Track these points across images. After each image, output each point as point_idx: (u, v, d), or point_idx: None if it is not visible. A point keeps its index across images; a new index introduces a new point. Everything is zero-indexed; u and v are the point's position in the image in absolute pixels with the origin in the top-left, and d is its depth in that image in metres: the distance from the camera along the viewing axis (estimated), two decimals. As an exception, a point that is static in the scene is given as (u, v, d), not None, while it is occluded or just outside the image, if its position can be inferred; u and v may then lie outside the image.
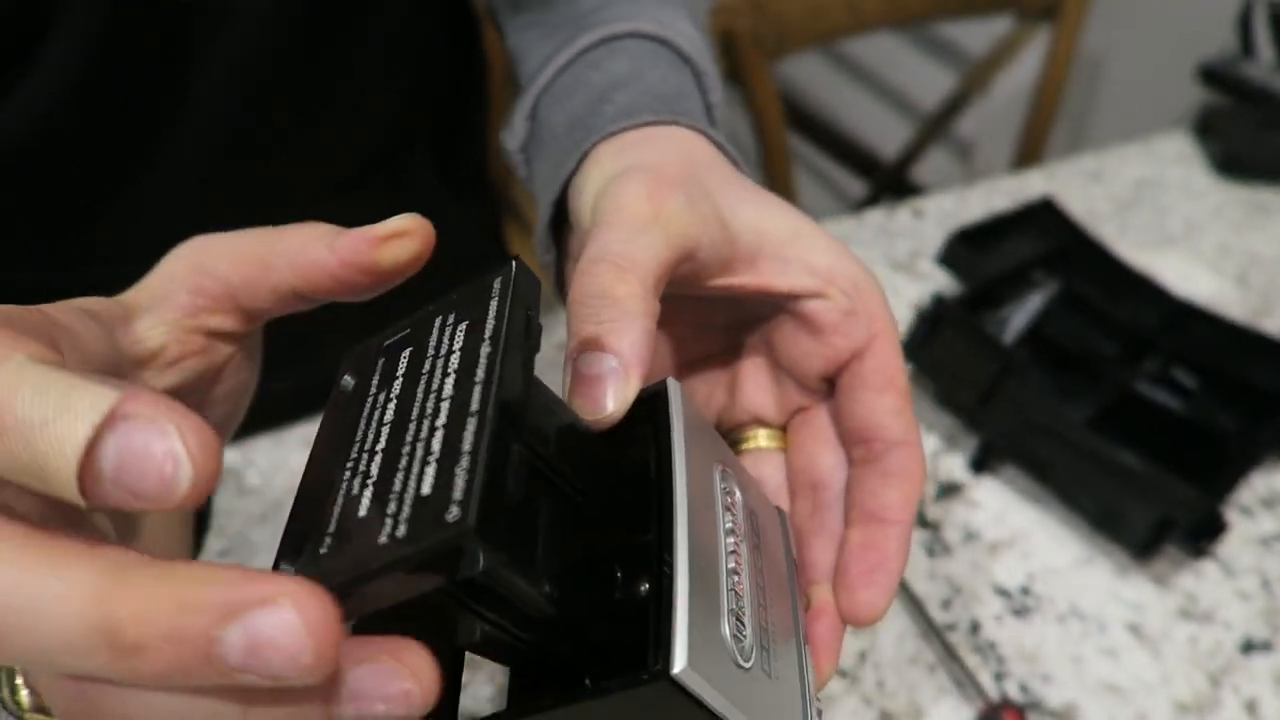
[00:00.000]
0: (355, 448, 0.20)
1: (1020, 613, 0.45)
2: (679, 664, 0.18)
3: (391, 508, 0.17)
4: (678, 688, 0.18)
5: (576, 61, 0.35)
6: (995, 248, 0.62)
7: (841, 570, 0.26)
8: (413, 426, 0.19)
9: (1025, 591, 0.46)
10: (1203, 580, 0.47)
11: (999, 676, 0.43)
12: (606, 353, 0.22)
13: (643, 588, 0.20)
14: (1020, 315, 0.55)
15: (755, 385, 0.31)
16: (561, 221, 0.32)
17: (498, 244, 0.67)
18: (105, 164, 0.40)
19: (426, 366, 0.20)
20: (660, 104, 0.31)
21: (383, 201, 0.51)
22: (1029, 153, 1.09)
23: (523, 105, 0.36)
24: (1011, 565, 0.47)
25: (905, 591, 0.45)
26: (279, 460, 0.52)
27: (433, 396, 0.19)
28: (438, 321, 0.21)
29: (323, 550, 0.18)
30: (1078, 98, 1.32)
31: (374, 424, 0.20)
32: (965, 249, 0.59)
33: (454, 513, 0.16)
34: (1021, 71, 1.27)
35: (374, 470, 0.19)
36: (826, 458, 0.29)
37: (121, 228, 0.42)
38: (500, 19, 0.45)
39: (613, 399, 0.22)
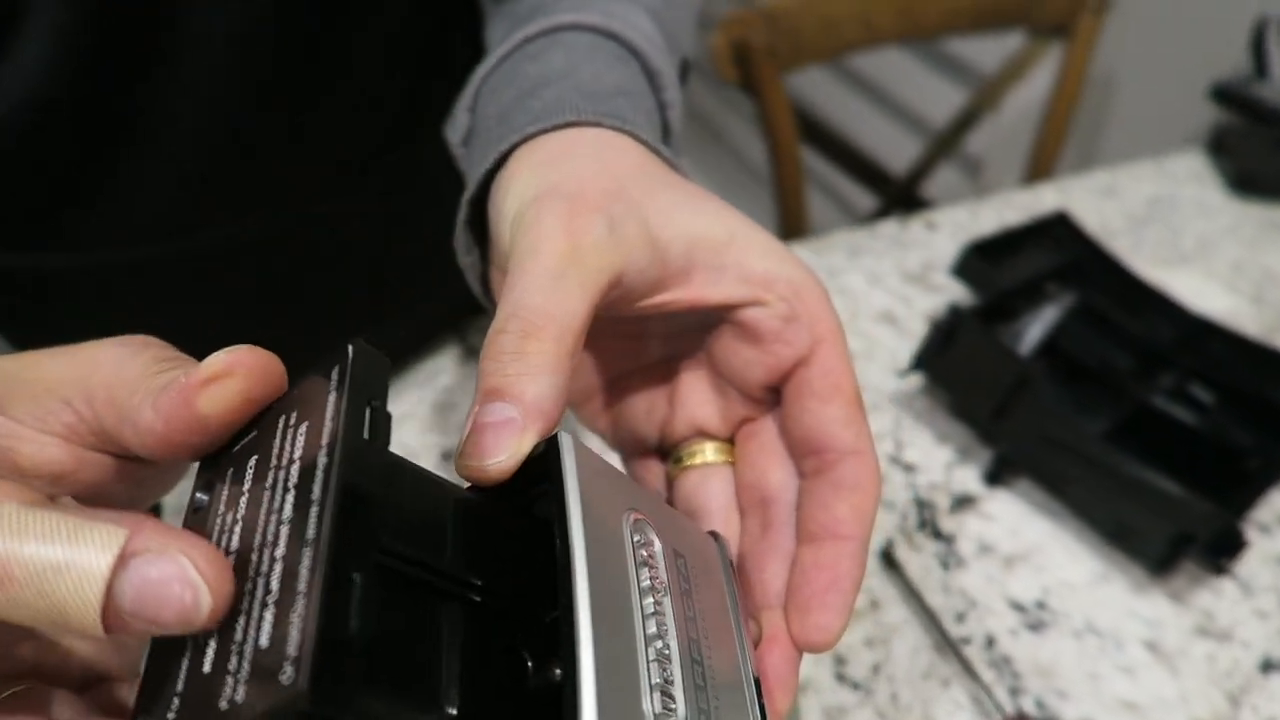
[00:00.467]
0: None
1: (1035, 627, 0.45)
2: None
3: (233, 663, 0.16)
4: None
5: (516, 52, 0.33)
6: (1009, 261, 0.62)
7: (793, 592, 0.25)
8: (254, 558, 0.17)
9: (1040, 606, 0.45)
10: (1221, 598, 0.46)
11: (1014, 692, 0.42)
12: (506, 401, 0.21)
13: (555, 672, 0.18)
14: (1035, 328, 0.55)
15: (697, 396, 0.29)
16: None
17: None
18: (97, 144, 0.39)
19: (269, 479, 0.18)
20: (586, 102, 0.29)
21: (386, 190, 0.50)
22: (1039, 170, 1.09)
23: (465, 95, 0.34)
24: (1026, 579, 0.47)
25: (919, 604, 0.44)
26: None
27: (274, 519, 0.17)
28: (280, 422, 0.19)
29: (170, 716, 0.17)
30: (1088, 116, 1.32)
31: (220, 545, 0.18)
32: (979, 261, 0.58)
33: (287, 673, 0.14)
34: (1032, 89, 1.28)
35: (211, 630, 0.17)
36: (775, 472, 0.27)
37: (117, 212, 0.41)
38: (485, 7, 0.44)
39: (504, 449, 0.20)
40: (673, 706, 0.19)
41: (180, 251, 0.26)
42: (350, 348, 0.18)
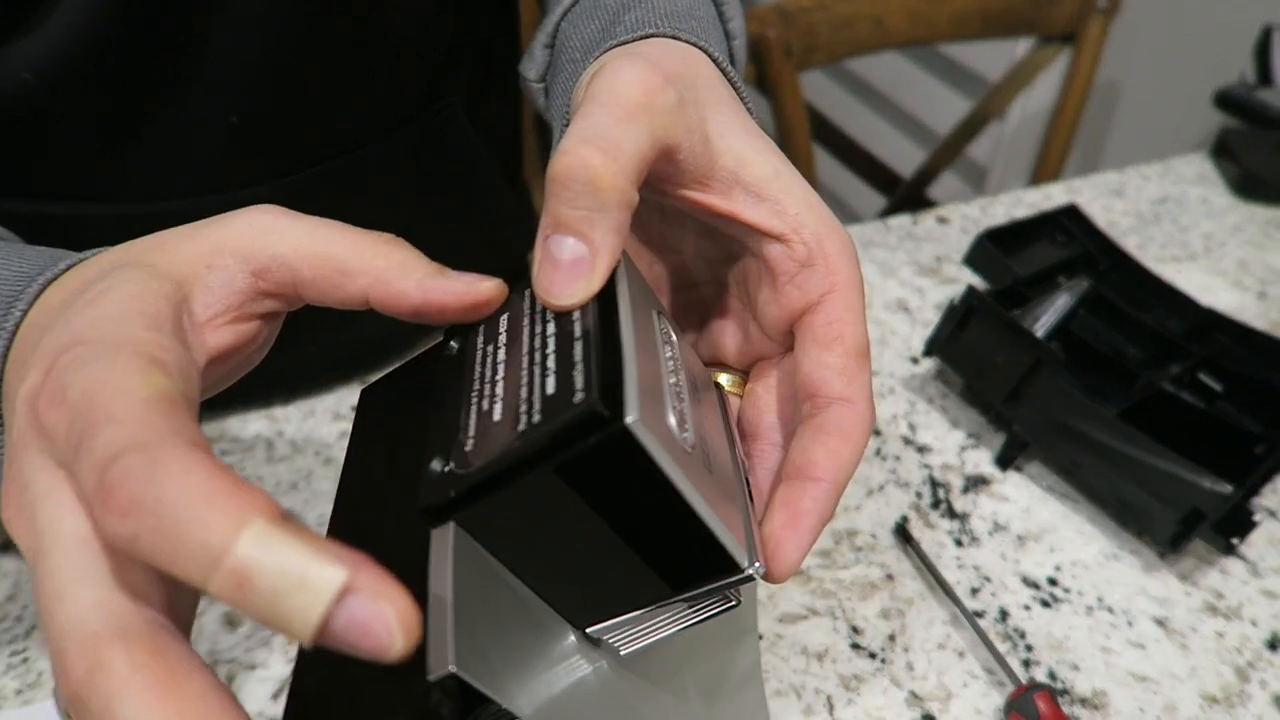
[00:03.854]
0: (475, 384, 0.23)
1: (1048, 603, 0.45)
2: (631, 414, 0.19)
3: (523, 409, 0.20)
4: (632, 441, 0.19)
5: None
6: (1020, 252, 0.62)
7: (763, 524, 0.25)
8: (525, 359, 0.22)
9: (1053, 583, 0.46)
10: (1229, 578, 0.47)
11: (1028, 664, 0.42)
12: (578, 239, 0.22)
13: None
14: (1049, 314, 0.56)
15: (721, 325, 0.31)
16: None
17: (527, 199, 0.67)
18: (138, 92, 0.40)
19: (526, 322, 0.23)
20: (665, 21, 0.31)
21: (415, 150, 0.51)
22: (1044, 176, 1.10)
23: (543, 32, 0.36)
24: (1039, 557, 0.47)
25: (935, 578, 0.45)
26: (309, 431, 0.52)
27: (538, 337, 0.22)
28: (529, 290, 0.24)
29: (467, 448, 0.21)
30: (1094, 123, 1.34)
31: (488, 366, 0.23)
32: (992, 249, 0.59)
33: (578, 397, 0.19)
34: (1037, 97, 1.29)
35: (498, 393, 0.22)
36: (770, 415, 0.28)
37: (155, 163, 0.42)
38: None
39: (577, 291, 0.22)
40: (687, 427, 0.22)
41: (219, 203, 0.26)
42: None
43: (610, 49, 0.30)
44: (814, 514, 0.25)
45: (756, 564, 0.23)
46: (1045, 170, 1.10)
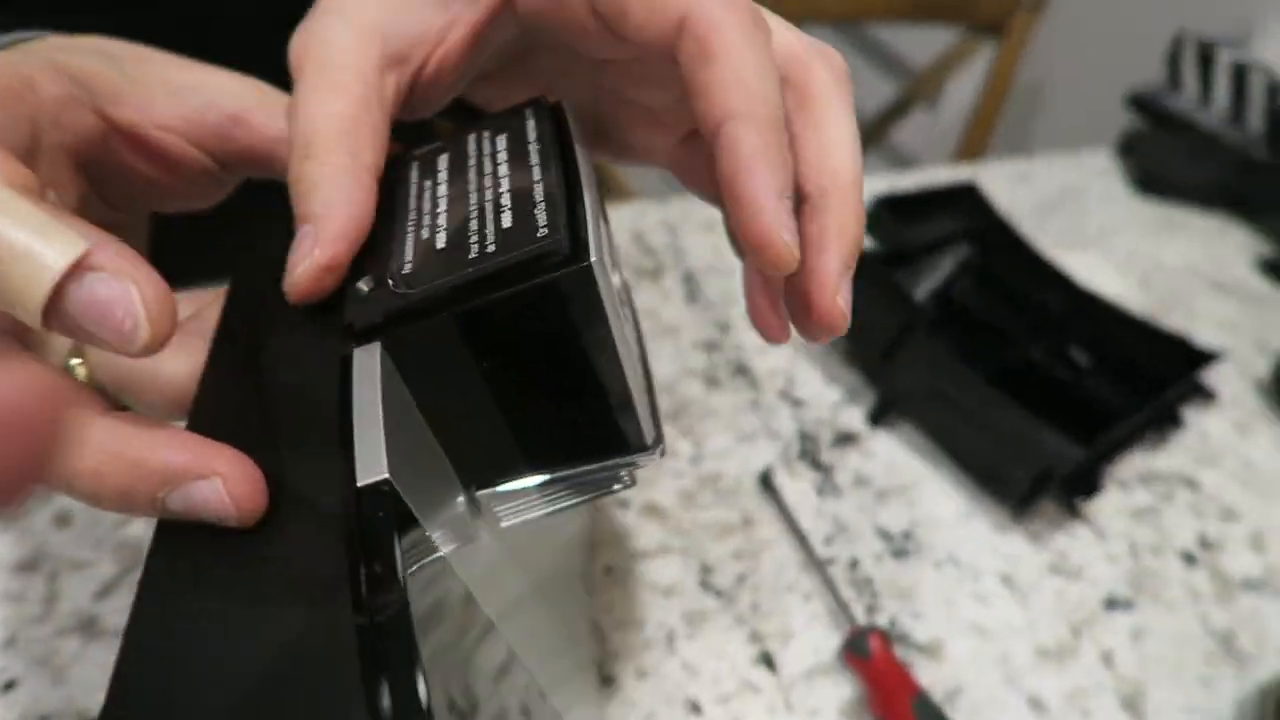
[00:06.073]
0: (413, 214, 0.22)
1: (899, 555, 0.46)
2: (594, 254, 0.19)
3: (474, 238, 0.20)
4: (590, 282, 0.19)
5: None
6: (917, 224, 0.63)
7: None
8: (475, 195, 0.22)
9: (907, 536, 0.47)
10: (1075, 541, 0.48)
11: (871, 609, 0.43)
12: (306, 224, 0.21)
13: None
14: (931, 279, 0.57)
15: (639, 134, 0.28)
16: None
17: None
18: None
19: (472, 161, 0.23)
20: None
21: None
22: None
23: None
24: (897, 512, 0.48)
25: (791, 525, 0.45)
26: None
27: (489, 176, 0.22)
28: (472, 136, 0.24)
29: (405, 270, 0.20)
30: (1016, 117, 1.37)
31: (426, 199, 0.22)
32: (887, 215, 0.60)
33: (542, 233, 0.19)
34: (967, 89, 1.31)
35: (440, 224, 0.21)
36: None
37: None
38: None
39: (304, 264, 0.21)
40: (618, 300, 0.22)
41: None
42: (545, 99, 0.24)
43: None
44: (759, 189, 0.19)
45: (660, 445, 0.23)
46: (968, 159, 1.12)
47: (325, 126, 0.22)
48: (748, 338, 0.56)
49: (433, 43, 0.24)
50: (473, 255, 0.20)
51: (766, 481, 0.48)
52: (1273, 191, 0.80)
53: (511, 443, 0.22)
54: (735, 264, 0.29)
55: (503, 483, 0.23)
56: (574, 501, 0.24)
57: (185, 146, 0.25)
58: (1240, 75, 0.85)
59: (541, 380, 0.21)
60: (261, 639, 0.15)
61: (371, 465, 0.17)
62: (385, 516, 0.17)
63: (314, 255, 0.20)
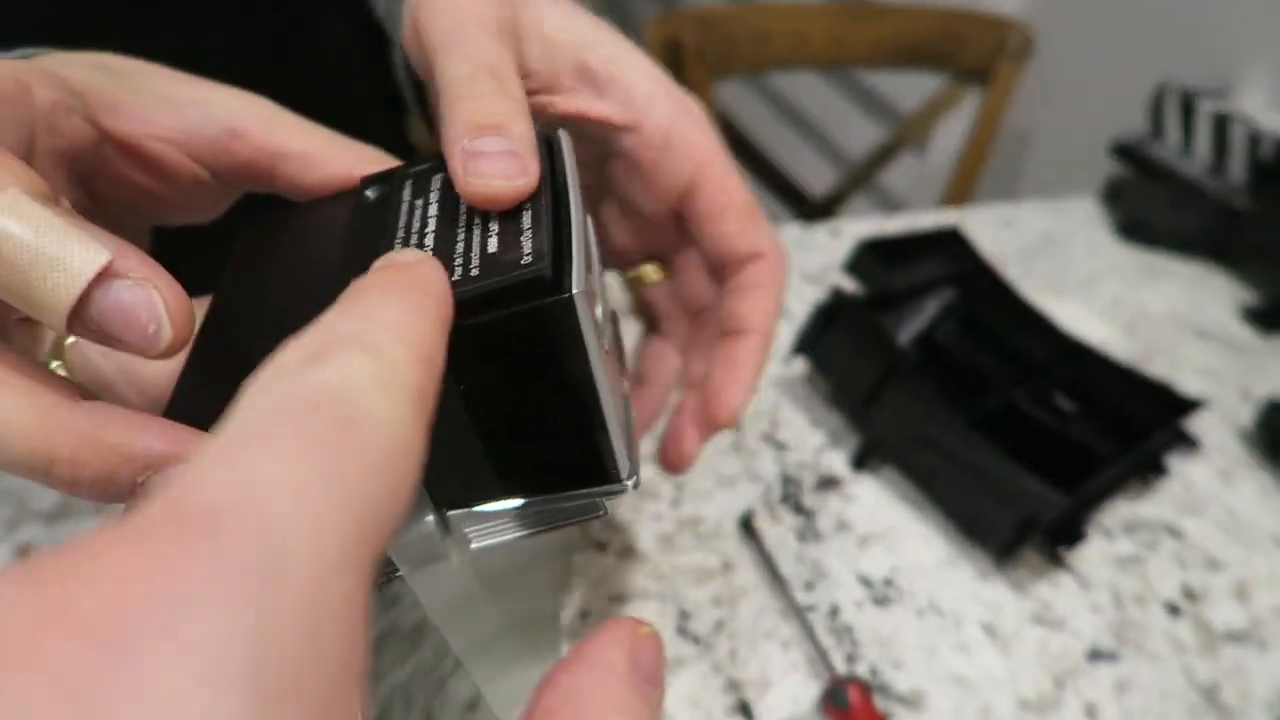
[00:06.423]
0: (401, 232, 0.22)
1: (880, 602, 0.45)
2: (578, 286, 0.19)
3: (458, 261, 0.20)
4: (571, 313, 0.19)
5: None
6: (901, 267, 0.63)
7: (708, 378, 0.29)
8: (464, 218, 0.22)
9: (888, 583, 0.46)
10: (1059, 590, 0.48)
11: (851, 658, 0.42)
12: (501, 136, 0.22)
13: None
14: (914, 322, 0.57)
15: (611, 227, 0.31)
16: None
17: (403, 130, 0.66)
18: None
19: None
20: None
21: (275, 42, 0.49)
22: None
23: None
24: (878, 558, 0.48)
25: (770, 570, 0.45)
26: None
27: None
28: None
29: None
30: (1003, 163, 1.38)
31: (416, 218, 0.23)
32: (873, 259, 0.60)
33: (526, 260, 0.19)
34: (956, 134, 1.33)
35: (428, 244, 0.21)
36: (702, 284, 0.30)
37: None
38: None
39: (514, 182, 0.21)
40: (604, 335, 0.23)
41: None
42: (559, 132, 0.24)
43: None
44: (751, 364, 0.28)
45: (635, 478, 0.23)
46: (954, 204, 1.13)
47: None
48: (731, 379, 0.56)
49: None
50: (455, 278, 0.20)
51: (747, 525, 0.47)
52: (1254, 240, 0.80)
53: (486, 466, 0.22)
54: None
55: (475, 504, 0.23)
56: (546, 527, 0.24)
57: (182, 159, 0.25)
58: (1221, 125, 0.86)
59: (518, 407, 0.21)
60: None
61: None
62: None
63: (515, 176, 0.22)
